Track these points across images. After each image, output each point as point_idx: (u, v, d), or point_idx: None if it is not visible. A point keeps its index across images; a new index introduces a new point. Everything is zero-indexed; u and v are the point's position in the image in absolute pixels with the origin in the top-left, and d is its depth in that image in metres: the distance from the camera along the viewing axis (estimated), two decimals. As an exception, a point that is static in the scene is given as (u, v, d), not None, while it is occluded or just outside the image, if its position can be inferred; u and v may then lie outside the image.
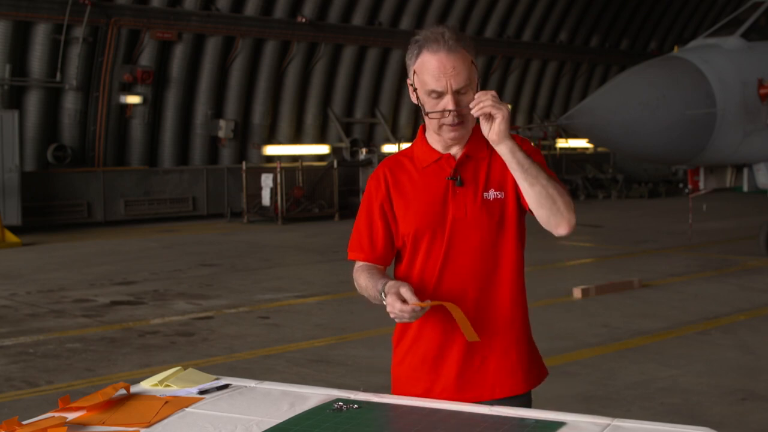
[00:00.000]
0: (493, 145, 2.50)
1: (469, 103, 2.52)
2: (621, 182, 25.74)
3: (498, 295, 2.66)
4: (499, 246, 2.64)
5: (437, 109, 2.55)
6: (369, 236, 2.72)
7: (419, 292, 2.62)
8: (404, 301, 2.44)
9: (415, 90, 2.59)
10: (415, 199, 2.65)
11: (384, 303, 2.52)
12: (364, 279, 2.66)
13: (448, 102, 2.53)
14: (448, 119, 2.56)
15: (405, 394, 2.69)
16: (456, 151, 2.67)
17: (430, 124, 2.62)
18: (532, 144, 2.70)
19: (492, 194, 2.63)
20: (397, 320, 2.51)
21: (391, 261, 2.75)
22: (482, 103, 2.44)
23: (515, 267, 2.68)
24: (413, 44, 2.58)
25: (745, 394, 6.21)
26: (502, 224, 2.64)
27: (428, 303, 2.46)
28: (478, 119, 2.66)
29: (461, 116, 2.56)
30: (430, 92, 2.54)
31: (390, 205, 2.70)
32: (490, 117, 2.46)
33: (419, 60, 2.56)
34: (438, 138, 2.66)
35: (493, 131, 2.45)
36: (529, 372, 2.72)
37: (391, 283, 2.52)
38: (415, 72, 2.57)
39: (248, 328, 8.58)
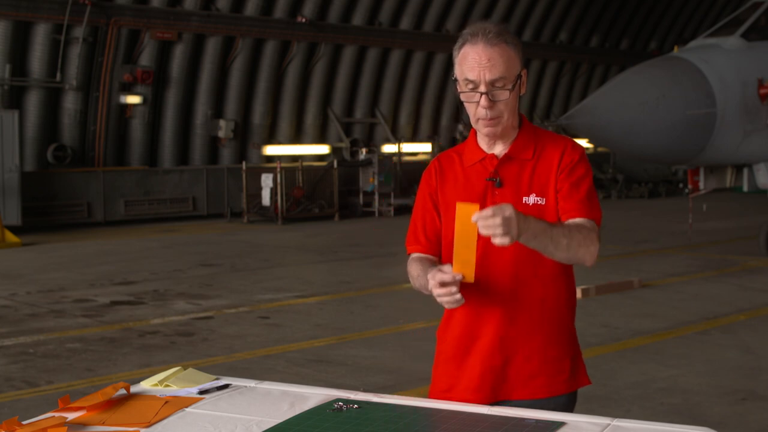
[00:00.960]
0: None
1: (505, 99, 2.54)
2: (621, 182, 25.74)
3: (529, 299, 2.64)
4: (535, 253, 2.57)
5: (472, 101, 2.57)
6: (423, 227, 2.75)
7: None
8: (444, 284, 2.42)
9: (456, 82, 2.62)
10: (458, 196, 2.65)
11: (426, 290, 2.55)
12: (415, 269, 2.68)
13: (481, 90, 2.53)
14: (482, 113, 2.57)
15: (434, 389, 2.74)
16: (500, 150, 2.67)
17: (471, 119, 2.64)
18: (583, 150, 2.68)
19: (533, 199, 2.62)
20: (445, 306, 2.48)
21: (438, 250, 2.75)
22: (488, 224, 2.31)
23: (552, 271, 2.65)
24: (459, 38, 2.63)
25: (745, 394, 6.21)
26: None
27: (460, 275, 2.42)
28: (520, 122, 2.67)
29: (495, 111, 2.56)
30: (465, 82, 2.56)
31: (437, 198, 2.73)
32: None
33: (461, 52, 2.59)
34: (481, 136, 2.68)
35: (496, 243, 2.34)
36: (553, 378, 2.67)
37: (434, 269, 2.50)
38: (457, 64, 2.61)
39: (248, 328, 8.58)
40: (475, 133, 2.71)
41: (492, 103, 2.54)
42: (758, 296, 9.95)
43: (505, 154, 2.65)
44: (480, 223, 2.29)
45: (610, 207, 22.53)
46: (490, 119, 2.57)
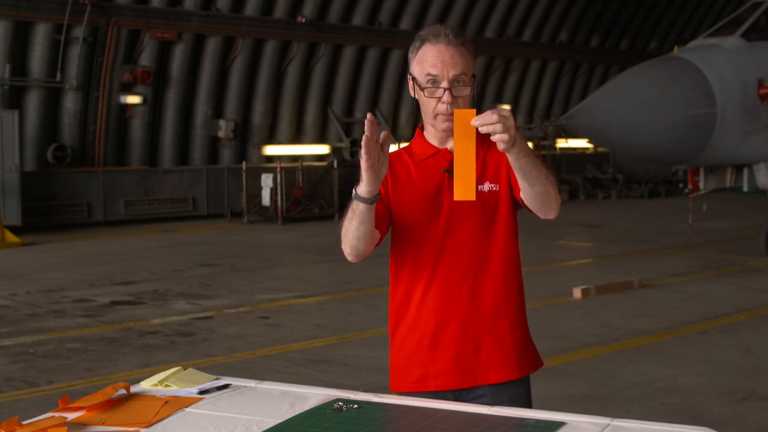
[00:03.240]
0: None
1: (465, 96, 2.64)
2: (621, 182, 25.73)
3: (492, 283, 2.74)
4: (492, 236, 2.73)
5: (434, 96, 2.65)
6: None
7: (414, 280, 2.74)
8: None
9: (413, 80, 2.71)
10: (411, 189, 2.74)
11: (353, 197, 2.54)
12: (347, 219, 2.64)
13: (444, 86, 2.62)
14: (443, 108, 2.65)
15: (402, 382, 2.78)
16: (452, 145, 2.72)
17: (426, 116, 2.72)
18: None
19: (487, 186, 2.71)
20: (364, 148, 2.44)
21: (383, 229, 2.72)
22: (487, 122, 2.33)
23: (509, 256, 2.77)
24: (416, 39, 2.72)
25: (745, 394, 6.21)
26: (495, 215, 2.73)
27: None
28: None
29: (455, 106, 2.62)
30: (428, 77, 2.64)
31: (387, 186, 2.74)
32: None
33: (420, 51, 2.70)
34: (434, 133, 2.76)
35: (499, 147, 2.38)
36: (523, 358, 2.79)
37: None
38: (415, 63, 2.70)
39: (248, 328, 8.58)
40: (422, 131, 2.80)
41: (453, 98, 2.63)
42: (758, 296, 9.95)
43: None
44: (478, 122, 2.33)
45: (610, 207, 22.53)
46: (451, 114, 2.63)
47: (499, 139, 2.33)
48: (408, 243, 2.75)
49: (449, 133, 2.70)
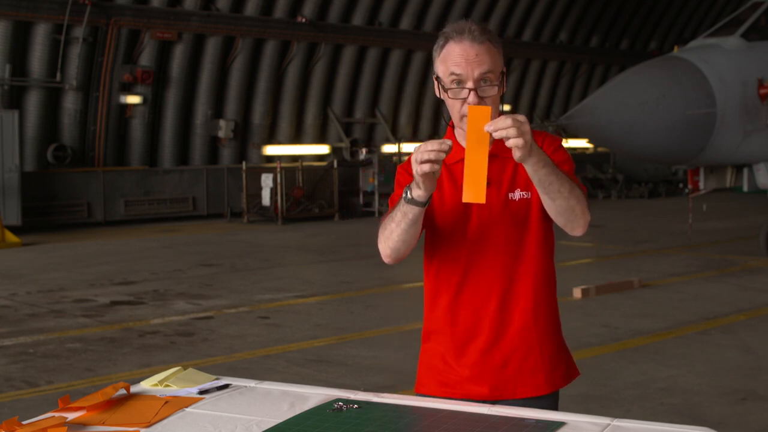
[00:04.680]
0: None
1: (492, 95, 2.52)
2: (621, 182, 25.74)
3: (521, 294, 2.65)
4: (523, 245, 2.63)
5: (459, 97, 2.53)
6: None
7: (444, 289, 2.67)
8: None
9: (437, 80, 2.59)
10: (440, 196, 2.64)
11: (406, 200, 2.46)
12: (388, 215, 2.58)
13: (469, 87, 2.51)
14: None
15: (426, 386, 2.72)
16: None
17: (453, 117, 2.61)
18: (561, 141, 2.69)
19: (518, 194, 2.61)
20: (418, 168, 2.35)
21: (421, 230, 2.66)
22: (500, 127, 2.29)
23: (540, 267, 2.68)
24: (440, 37, 2.60)
25: (745, 394, 6.21)
26: (526, 224, 2.64)
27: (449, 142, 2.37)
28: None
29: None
30: (452, 77, 2.53)
31: None
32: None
33: (444, 50, 2.57)
34: (463, 134, 2.63)
35: (515, 155, 2.33)
36: (552, 372, 2.70)
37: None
38: (439, 62, 2.58)
39: (248, 328, 8.58)
40: (453, 130, 2.69)
41: (480, 99, 2.52)
42: (758, 296, 9.95)
43: (489, 152, 2.64)
44: (491, 127, 2.27)
45: (610, 207, 22.53)
46: None
47: (513, 144, 2.27)
48: (438, 250, 2.68)
49: None
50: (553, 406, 2.70)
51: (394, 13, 23.45)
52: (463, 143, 2.60)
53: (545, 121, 26.81)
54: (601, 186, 25.87)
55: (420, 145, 2.37)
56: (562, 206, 2.45)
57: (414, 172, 2.38)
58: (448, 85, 2.54)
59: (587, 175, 25.96)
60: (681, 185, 25.95)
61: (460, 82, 2.52)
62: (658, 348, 7.58)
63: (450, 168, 2.65)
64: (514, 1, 25.88)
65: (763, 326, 8.40)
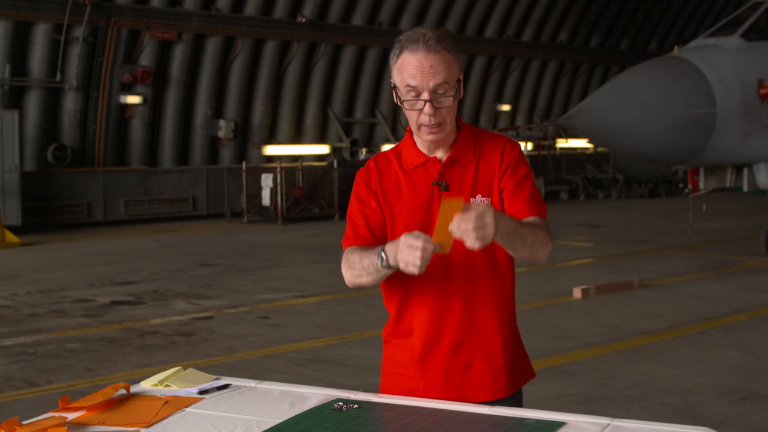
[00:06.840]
0: None
1: (447, 106, 2.53)
2: (621, 182, 25.74)
3: (484, 300, 2.66)
4: (485, 250, 2.60)
5: (415, 108, 2.54)
6: (365, 222, 2.67)
7: (406, 294, 2.67)
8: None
9: (395, 89, 2.59)
10: (401, 202, 2.65)
11: (382, 265, 2.45)
12: (357, 253, 2.57)
13: (425, 98, 2.51)
14: (425, 119, 2.55)
15: (392, 392, 2.70)
16: (442, 154, 2.66)
17: (411, 125, 2.62)
18: (519, 148, 2.71)
19: (479, 199, 2.62)
20: (408, 265, 2.34)
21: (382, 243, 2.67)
22: (463, 227, 2.29)
23: (502, 271, 2.69)
24: (396, 44, 2.58)
25: (745, 394, 6.21)
26: None
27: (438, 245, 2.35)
28: (458, 125, 2.68)
29: (438, 118, 2.55)
30: (408, 88, 2.53)
31: (379, 198, 2.68)
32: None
33: (400, 59, 2.55)
34: (421, 141, 2.66)
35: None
36: (512, 376, 2.72)
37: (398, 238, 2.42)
38: (395, 71, 2.57)
39: (248, 328, 8.58)
40: (412, 135, 2.70)
41: (436, 110, 2.52)
42: (758, 296, 9.95)
43: (448, 157, 2.65)
44: (454, 227, 2.28)
45: (610, 207, 22.53)
46: (434, 126, 2.56)
47: (469, 246, 2.29)
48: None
49: (435, 143, 2.63)
50: (517, 406, 2.71)
51: (394, 13, 23.45)
52: (422, 149, 2.67)
53: (545, 121, 26.81)
54: (601, 186, 25.87)
55: (408, 242, 2.32)
56: (524, 256, 2.55)
57: (398, 263, 2.38)
58: (404, 96, 2.55)
59: (587, 175, 25.97)
60: (681, 185, 25.95)
61: (415, 93, 2.52)
62: (658, 348, 7.58)
63: (409, 174, 2.67)
64: (514, 1, 25.88)
65: (763, 326, 8.40)
